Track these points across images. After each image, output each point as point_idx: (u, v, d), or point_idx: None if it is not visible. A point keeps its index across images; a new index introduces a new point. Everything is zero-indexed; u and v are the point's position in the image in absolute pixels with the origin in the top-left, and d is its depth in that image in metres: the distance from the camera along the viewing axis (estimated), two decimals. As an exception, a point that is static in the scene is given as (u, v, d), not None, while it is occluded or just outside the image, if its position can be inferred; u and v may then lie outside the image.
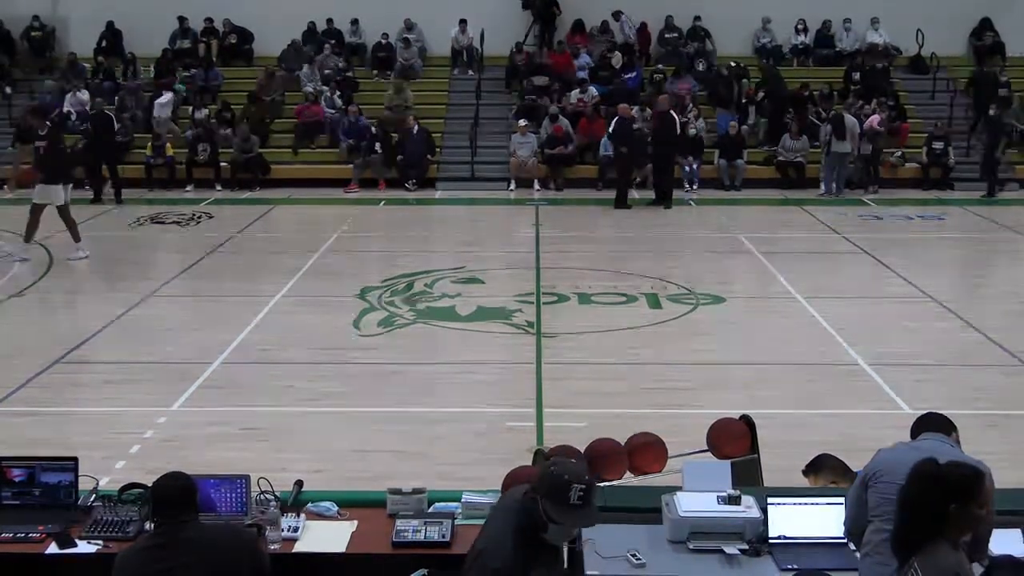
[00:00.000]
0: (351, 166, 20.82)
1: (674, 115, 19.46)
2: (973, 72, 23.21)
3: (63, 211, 14.31)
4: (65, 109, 21.85)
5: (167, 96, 21.92)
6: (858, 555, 4.56)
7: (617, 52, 23.11)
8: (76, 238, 14.48)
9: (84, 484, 5.25)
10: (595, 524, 4.13)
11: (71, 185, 14.78)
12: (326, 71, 22.96)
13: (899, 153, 21.32)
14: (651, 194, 19.28)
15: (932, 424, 4.67)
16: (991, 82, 22.38)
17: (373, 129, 21.04)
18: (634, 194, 19.50)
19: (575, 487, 3.96)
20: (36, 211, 14.28)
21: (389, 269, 14.11)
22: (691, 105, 21.46)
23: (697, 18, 24.14)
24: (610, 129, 19.56)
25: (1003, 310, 12.29)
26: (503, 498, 4.49)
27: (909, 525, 3.80)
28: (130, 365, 10.12)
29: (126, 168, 20.81)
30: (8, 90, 22.89)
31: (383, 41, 23.80)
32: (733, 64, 22.86)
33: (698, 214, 18.89)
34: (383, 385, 9.58)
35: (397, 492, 5.11)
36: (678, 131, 19.49)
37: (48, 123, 14.94)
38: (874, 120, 20.48)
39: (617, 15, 23.93)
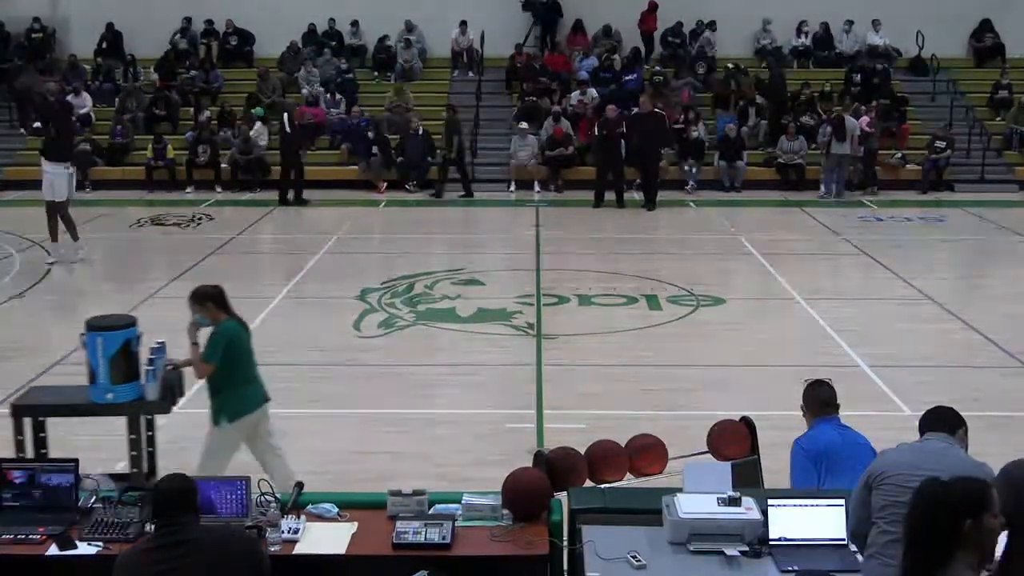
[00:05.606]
0: (356, 168, 20.87)
1: (661, 112, 19.45)
2: None
3: (63, 208, 14.22)
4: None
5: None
6: (860, 557, 4.55)
7: (616, 56, 23.13)
8: (74, 237, 14.43)
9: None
10: None
11: (73, 173, 14.49)
12: (312, 70, 22.88)
13: (899, 155, 21.31)
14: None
15: (938, 422, 4.63)
16: None
17: (370, 133, 20.99)
18: (634, 195, 19.53)
19: None
20: (49, 209, 14.22)
21: (389, 271, 14.12)
22: (684, 114, 21.34)
23: (700, 22, 24.12)
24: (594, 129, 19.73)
25: (1003, 311, 12.29)
26: None
27: (925, 551, 3.52)
28: (130, 367, 10.08)
29: (125, 170, 20.90)
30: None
31: (391, 45, 23.76)
32: (731, 66, 22.86)
33: (698, 216, 18.89)
34: (383, 387, 9.59)
35: (397, 494, 5.10)
36: (664, 129, 19.53)
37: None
38: (863, 121, 20.46)
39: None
